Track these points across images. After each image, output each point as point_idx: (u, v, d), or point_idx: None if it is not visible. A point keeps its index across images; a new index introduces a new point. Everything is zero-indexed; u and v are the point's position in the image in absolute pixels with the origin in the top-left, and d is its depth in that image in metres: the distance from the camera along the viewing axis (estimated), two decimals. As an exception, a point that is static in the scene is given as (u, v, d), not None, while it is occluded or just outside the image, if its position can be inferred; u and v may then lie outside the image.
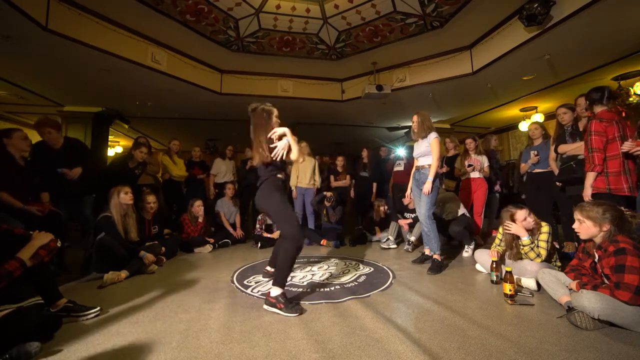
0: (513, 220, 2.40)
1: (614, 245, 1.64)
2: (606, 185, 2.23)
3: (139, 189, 3.68)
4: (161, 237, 3.66)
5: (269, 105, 2.25)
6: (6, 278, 1.50)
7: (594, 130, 2.24)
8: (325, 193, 4.56)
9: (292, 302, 1.93)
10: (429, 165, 2.88)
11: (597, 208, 1.78)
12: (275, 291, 1.92)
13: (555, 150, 2.96)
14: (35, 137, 3.04)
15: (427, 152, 2.92)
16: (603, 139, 2.21)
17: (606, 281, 1.71)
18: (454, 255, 3.39)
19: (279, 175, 2.16)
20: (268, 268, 2.65)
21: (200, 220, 4.15)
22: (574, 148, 2.75)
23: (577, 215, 1.86)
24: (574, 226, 1.89)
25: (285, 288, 2.01)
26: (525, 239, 2.35)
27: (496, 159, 4.61)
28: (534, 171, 3.51)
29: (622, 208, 1.80)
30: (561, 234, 3.47)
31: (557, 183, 2.96)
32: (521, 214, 2.39)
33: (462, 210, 3.59)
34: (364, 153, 5.49)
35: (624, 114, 2.32)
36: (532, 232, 2.40)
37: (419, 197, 2.98)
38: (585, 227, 1.81)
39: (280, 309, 1.86)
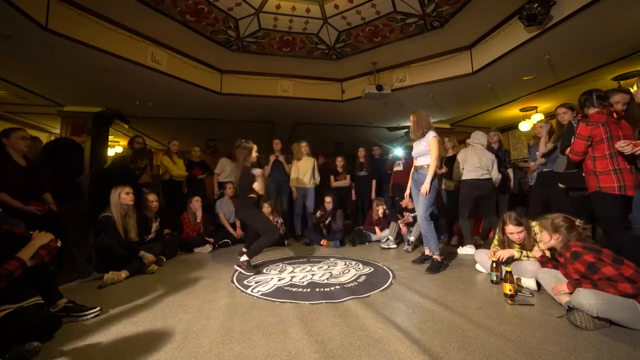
0: (503, 229, 2.46)
1: (568, 251, 1.85)
2: (596, 184, 2.27)
3: (138, 189, 3.69)
4: (161, 235, 3.66)
5: (250, 143, 3.09)
6: (6, 278, 1.50)
7: (578, 133, 2.35)
8: (318, 215, 4.46)
9: (253, 267, 2.81)
10: (428, 165, 2.86)
11: (551, 220, 2.01)
12: (244, 258, 2.81)
13: (562, 153, 2.92)
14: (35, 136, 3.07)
15: (425, 152, 2.90)
16: (584, 142, 2.29)
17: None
18: (454, 256, 3.39)
19: (252, 195, 3.00)
20: (243, 249, 3.06)
21: (198, 219, 4.14)
22: None
23: (538, 225, 2.12)
24: (537, 235, 2.11)
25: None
26: (515, 252, 2.39)
27: (503, 159, 4.40)
28: (543, 170, 3.51)
29: (576, 220, 2.00)
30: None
31: (560, 185, 2.96)
32: (512, 228, 2.39)
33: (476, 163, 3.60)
34: (360, 152, 5.47)
35: (615, 115, 2.32)
36: (524, 246, 2.40)
37: (417, 198, 2.97)
38: (543, 236, 2.08)
39: (243, 269, 2.76)
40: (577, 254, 1.79)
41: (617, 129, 2.25)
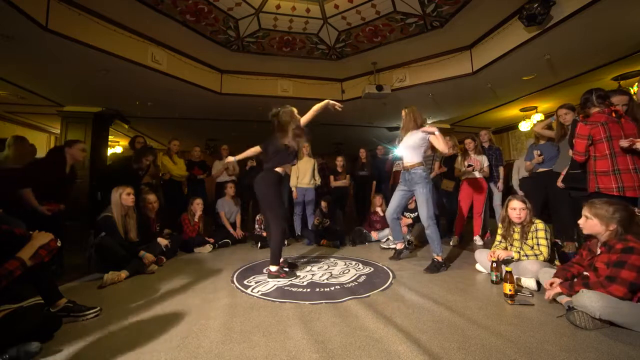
0: (507, 207, 2.50)
1: (623, 243, 1.64)
2: (595, 185, 2.26)
3: (139, 189, 3.70)
4: (162, 236, 3.66)
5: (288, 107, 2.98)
6: (6, 278, 1.50)
7: (577, 133, 2.34)
8: (316, 222, 4.42)
9: (289, 271, 2.67)
10: (418, 164, 2.87)
11: (607, 207, 1.76)
12: (274, 268, 2.62)
13: (571, 145, 2.89)
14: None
15: (417, 145, 2.89)
16: (586, 142, 2.28)
17: (590, 273, 1.78)
18: (454, 256, 3.39)
19: (277, 170, 2.72)
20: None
21: (196, 219, 4.14)
22: None
23: (585, 211, 1.85)
24: (579, 221, 1.90)
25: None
26: (514, 254, 2.39)
27: (496, 156, 4.36)
28: (538, 170, 3.51)
29: (636, 209, 1.80)
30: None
31: (560, 184, 2.96)
32: (517, 203, 2.44)
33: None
34: (362, 153, 5.48)
35: (613, 115, 2.30)
36: (524, 230, 2.42)
37: (404, 195, 3.04)
38: (591, 223, 1.81)
39: (283, 277, 2.57)
40: (631, 250, 1.60)
41: (618, 128, 2.22)
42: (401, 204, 3.10)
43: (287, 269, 2.73)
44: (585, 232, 1.87)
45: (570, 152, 2.77)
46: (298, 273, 2.76)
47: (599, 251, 1.81)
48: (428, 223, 2.84)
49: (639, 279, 1.54)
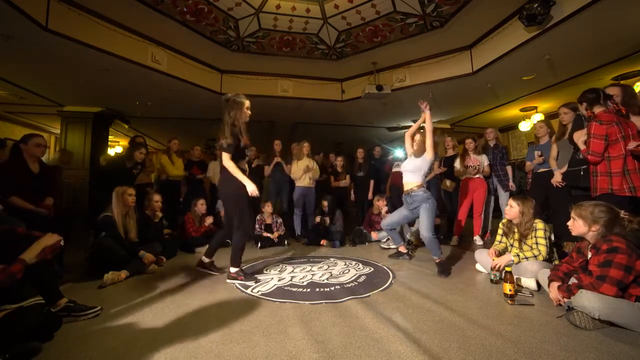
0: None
1: (608, 244, 1.67)
2: (609, 186, 2.23)
3: (142, 189, 3.70)
4: (161, 236, 3.66)
5: (242, 97, 2.53)
6: (9, 279, 1.50)
7: (593, 133, 2.26)
8: (317, 221, 4.43)
9: (248, 274, 2.57)
10: (418, 186, 2.88)
11: (592, 208, 1.80)
12: (234, 269, 2.55)
13: (571, 140, 2.83)
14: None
15: (416, 169, 2.93)
16: (602, 142, 2.22)
17: (582, 276, 1.79)
18: (453, 256, 3.39)
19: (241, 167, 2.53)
20: (204, 258, 2.84)
21: (206, 224, 4.14)
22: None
23: (572, 212, 1.90)
24: (568, 223, 1.93)
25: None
26: (513, 258, 2.37)
27: (502, 155, 4.27)
28: (539, 171, 3.50)
29: (621, 211, 1.80)
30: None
31: (560, 182, 2.95)
32: (512, 202, 2.48)
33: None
34: (360, 153, 5.42)
35: (623, 111, 2.29)
36: (522, 229, 2.42)
37: (407, 216, 3.05)
38: (576, 225, 1.85)
39: (241, 280, 2.49)
40: (615, 249, 1.61)
41: (627, 127, 2.22)
42: (400, 222, 3.18)
43: (246, 273, 2.60)
44: (573, 233, 1.90)
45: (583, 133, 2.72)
46: (298, 273, 2.77)
47: (589, 254, 1.82)
48: (430, 239, 2.78)
49: (626, 277, 1.56)
